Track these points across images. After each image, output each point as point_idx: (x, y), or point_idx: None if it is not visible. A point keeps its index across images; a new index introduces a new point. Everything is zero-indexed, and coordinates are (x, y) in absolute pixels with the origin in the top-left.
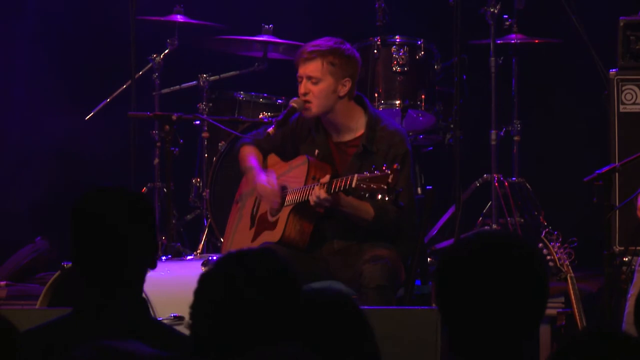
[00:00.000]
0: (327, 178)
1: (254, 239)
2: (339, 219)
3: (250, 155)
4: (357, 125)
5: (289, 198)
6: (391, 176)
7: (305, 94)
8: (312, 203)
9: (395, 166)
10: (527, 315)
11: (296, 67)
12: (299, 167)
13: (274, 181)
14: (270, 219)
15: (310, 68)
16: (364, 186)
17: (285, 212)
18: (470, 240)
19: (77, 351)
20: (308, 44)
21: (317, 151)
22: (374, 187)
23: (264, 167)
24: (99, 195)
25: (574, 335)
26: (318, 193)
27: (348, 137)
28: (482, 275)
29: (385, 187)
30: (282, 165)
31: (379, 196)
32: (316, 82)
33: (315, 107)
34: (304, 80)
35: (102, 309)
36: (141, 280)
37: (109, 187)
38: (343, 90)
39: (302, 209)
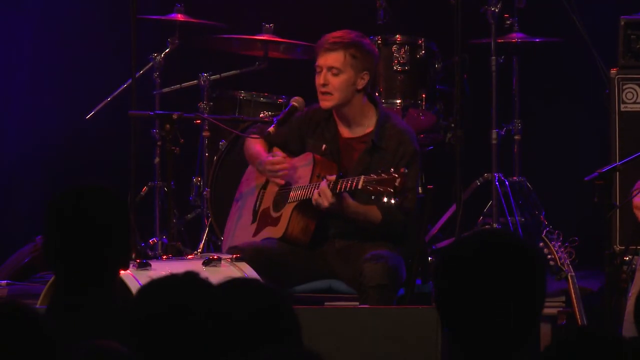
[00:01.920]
0: (333, 176)
1: (255, 233)
2: (341, 217)
3: (255, 144)
4: (368, 122)
5: (292, 195)
6: (398, 180)
7: (324, 85)
8: (314, 199)
9: (402, 170)
10: (525, 314)
11: (316, 56)
12: (304, 166)
13: (277, 153)
14: (273, 214)
15: (332, 58)
16: (371, 188)
17: (288, 208)
18: (469, 240)
19: (72, 350)
20: (329, 34)
21: (324, 146)
22: (380, 189)
23: None
24: (77, 193)
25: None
26: (323, 189)
27: (358, 133)
28: (481, 274)
29: (392, 190)
30: (287, 160)
31: (385, 199)
32: (337, 74)
33: (335, 99)
34: (324, 71)
35: (76, 309)
36: (115, 280)
37: (86, 184)
38: (361, 84)
39: (305, 206)
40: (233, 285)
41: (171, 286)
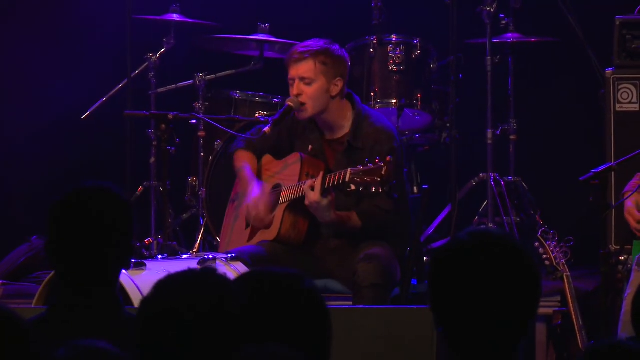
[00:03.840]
0: (320, 175)
1: (249, 238)
2: (327, 225)
3: (244, 161)
4: (347, 123)
5: (283, 195)
6: (384, 168)
7: (298, 95)
8: (305, 191)
9: (388, 158)
10: (519, 313)
11: (287, 68)
12: (292, 164)
13: (263, 207)
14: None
15: (303, 69)
16: (358, 180)
17: (280, 209)
18: (462, 239)
19: (57, 352)
20: (297, 45)
21: (310, 147)
22: (368, 179)
23: (258, 167)
24: (82, 192)
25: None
26: (310, 184)
27: (339, 134)
28: (474, 274)
29: (379, 179)
30: (276, 163)
31: (373, 189)
32: (309, 83)
33: (310, 109)
34: (297, 82)
35: (78, 308)
36: (117, 279)
37: (91, 184)
38: (335, 90)
39: (296, 205)
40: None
41: (189, 281)
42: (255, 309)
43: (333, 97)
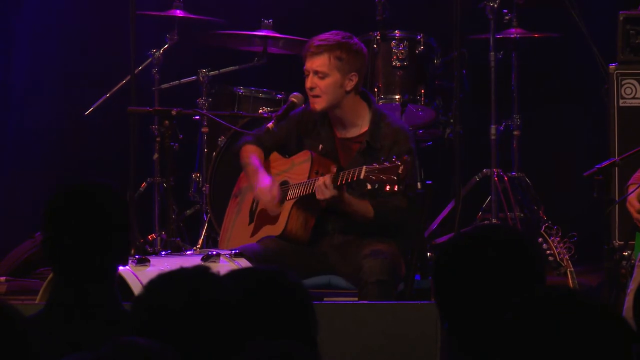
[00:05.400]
0: (334, 170)
1: (253, 234)
2: (340, 213)
3: (252, 154)
4: (362, 122)
5: (291, 192)
6: (401, 167)
7: (311, 89)
8: (316, 186)
9: (405, 157)
10: None
11: (303, 60)
12: (302, 163)
13: (276, 193)
14: (272, 213)
15: (317, 62)
16: (373, 177)
17: (287, 205)
18: (469, 234)
19: (102, 349)
20: (315, 37)
21: (320, 146)
22: (384, 178)
23: (266, 164)
24: (78, 189)
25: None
26: (324, 180)
27: (353, 133)
28: (480, 269)
29: (395, 177)
30: (285, 161)
31: (388, 187)
32: (323, 77)
33: (323, 102)
34: (311, 75)
35: (76, 305)
36: (114, 275)
37: (87, 180)
38: (350, 85)
39: (304, 202)
40: (243, 276)
41: (182, 278)
42: (242, 305)
43: (347, 92)
